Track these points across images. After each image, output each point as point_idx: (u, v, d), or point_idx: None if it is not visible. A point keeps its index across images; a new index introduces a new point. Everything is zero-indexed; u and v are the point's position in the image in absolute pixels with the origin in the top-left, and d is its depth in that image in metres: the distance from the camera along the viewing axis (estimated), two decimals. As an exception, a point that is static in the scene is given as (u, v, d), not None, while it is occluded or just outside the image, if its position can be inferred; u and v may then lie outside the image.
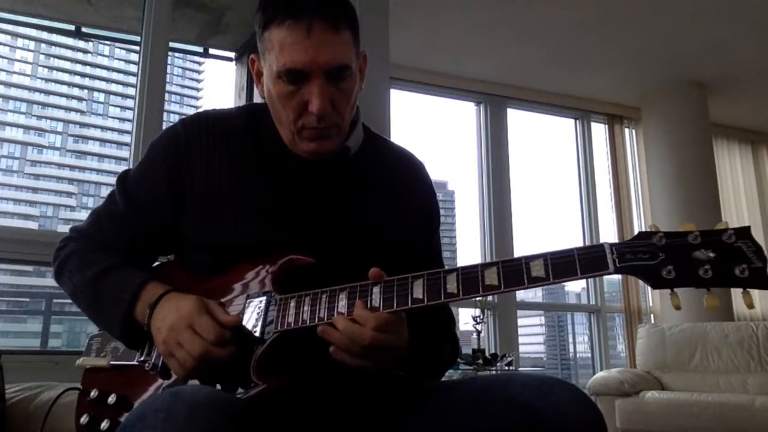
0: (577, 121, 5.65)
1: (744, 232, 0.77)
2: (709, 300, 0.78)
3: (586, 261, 0.80)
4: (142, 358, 1.01)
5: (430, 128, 5.74)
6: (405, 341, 0.92)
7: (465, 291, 0.85)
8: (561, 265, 0.81)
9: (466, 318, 4.03)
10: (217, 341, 0.89)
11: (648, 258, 0.78)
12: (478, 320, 3.88)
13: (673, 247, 0.78)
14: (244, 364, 0.91)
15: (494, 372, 3.65)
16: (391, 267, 0.91)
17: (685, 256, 0.77)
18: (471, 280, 0.85)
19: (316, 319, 0.91)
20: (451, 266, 0.89)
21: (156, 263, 1.16)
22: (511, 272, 0.83)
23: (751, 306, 0.77)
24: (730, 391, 3.91)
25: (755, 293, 0.77)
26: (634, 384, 3.88)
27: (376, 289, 0.89)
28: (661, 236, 0.79)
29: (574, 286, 5.81)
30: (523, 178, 5.23)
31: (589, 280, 5.32)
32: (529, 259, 0.83)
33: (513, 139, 5.20)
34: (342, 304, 0.90)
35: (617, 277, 5.25)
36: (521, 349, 4.97)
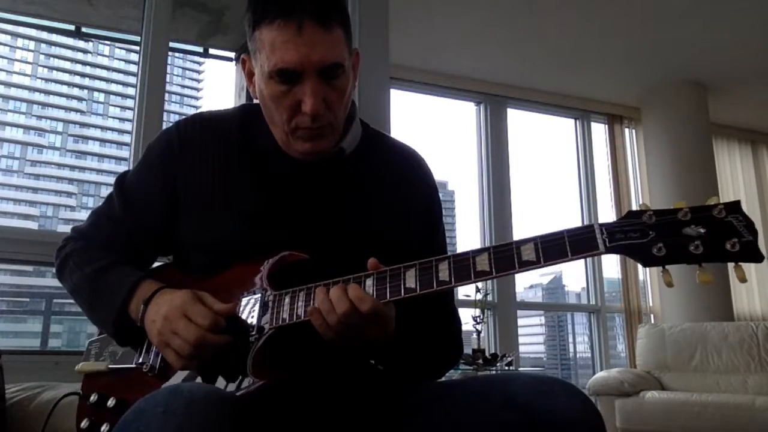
0: (577, 121, 5.65)
1: (734, 207, 0.77)
2: (701, 276, 0.78)
3: (576, 242, 0.80)
4: (140, 360, 1.01)
5: (430, 128, 5.73)
6: (385, 335, 0.91)
7: (457, 278, 0.85)
8: (551, 248, 0.81)
9: (466, 318, 4.03)
10: (211, 327, 0.90)
11: (638, 236, 0.78)
12: (478, 320, 3.88)
13: (663, 224, 0.78)
14: (243, 355, 0.91)
15: (494, 372, 3.65)
16: (393, 265, 0.90)
17: (675, 233, 0.77)
18: (463, 267, 0.85)
19: None
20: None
21: (155, 264, 1.16)
22: (502, 257, 0.84)
23: (743, 280, 0.77)
24: (730, 391, 3.91)
25: (755, 293, 0.77)
26: (634, 384, 3.88)
27: (369, 281, 0.89)
28: (651, 214, 0.79)
29: (574, 286, 5.80)
30: (523, 178, 5.23)
31: (589, 279, 5.34)
32: (519, 243, 0.83)
33: (513, 139, 5.20)
34: None
35: (617, 276, 5.25)
36: (521, 349, 4.97)
